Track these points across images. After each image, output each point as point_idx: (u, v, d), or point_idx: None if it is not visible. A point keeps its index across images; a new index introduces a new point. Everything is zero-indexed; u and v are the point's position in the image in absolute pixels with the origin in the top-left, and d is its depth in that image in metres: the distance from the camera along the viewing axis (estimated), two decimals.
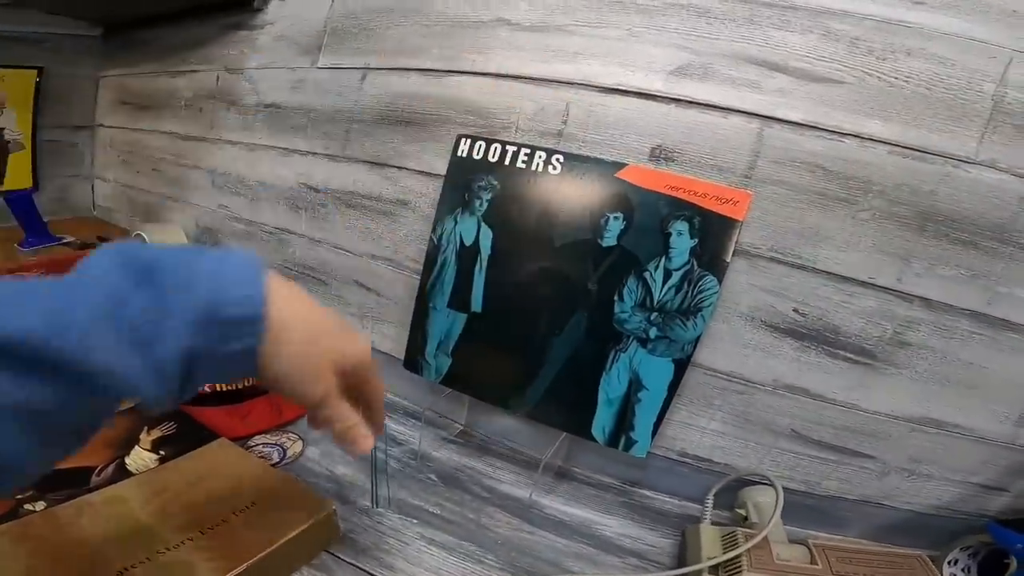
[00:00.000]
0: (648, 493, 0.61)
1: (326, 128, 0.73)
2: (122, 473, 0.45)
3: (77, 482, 0.43)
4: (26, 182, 1.08)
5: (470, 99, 0.62)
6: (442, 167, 0.62)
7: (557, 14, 0.56)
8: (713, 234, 0.52)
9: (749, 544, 0.46)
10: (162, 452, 0.48)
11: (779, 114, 0.50)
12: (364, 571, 0.44)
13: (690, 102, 0.52)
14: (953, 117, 0.46)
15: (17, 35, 1.01)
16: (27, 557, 0.35)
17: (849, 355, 0.53)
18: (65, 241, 0.93)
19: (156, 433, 0.51)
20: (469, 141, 0.61)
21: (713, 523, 0.53)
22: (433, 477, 0.58)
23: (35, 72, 1.05)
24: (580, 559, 0.50)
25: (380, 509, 0.51)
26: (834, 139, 0.49)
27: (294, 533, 0.41)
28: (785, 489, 0.56)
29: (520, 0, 0.58)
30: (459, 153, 0.61)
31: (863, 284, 0.51)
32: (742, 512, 0.53)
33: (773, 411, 0.56)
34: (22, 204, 0.88)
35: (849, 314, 0.52)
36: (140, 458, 0.47)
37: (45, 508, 0.40)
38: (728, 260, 0.52)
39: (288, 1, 0.78)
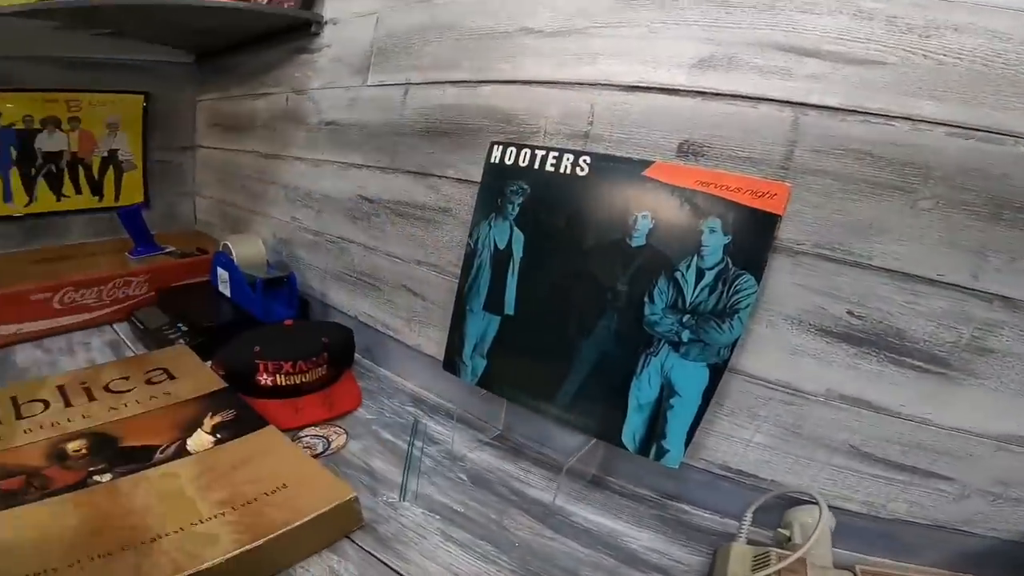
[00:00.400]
0: (687, 508, 0.63)
1: (377, 142, 0.85)
2: (182, 452, 0.57)
3: (142, 458, 0.56)
4: (138, 198, 1.35)
5: (501, 107, 0.69)
6: (478, 174, 0.69)
7: (577, 18, 0.61)
8: (748, 230, 0.54)
9: (780, 565, 0.48)
10: (219, 435, 0.60)
11: (814, 100, 0.51)
12: (379, 560, 0.52)
13: (715, 94, 0.55)
14: (1019, 93, 0.44)
15: (124, 63, 1.26)
16: (79, 522, 0.47)
17: (918, 363, 0.52)
18: (168, 251, 1.16)
19: (217, 418, 0.63)
20: (501, 148, 0.67)
21: (750, 542, 0.54)
22: (463, 476, 0.65)
23: (142, 97, 1.30)
24: (598, 570, 0.54)
25: (406, 503, 0.60)
26: (881, 123, 0.49)
27: (312, 516, 0.50)
28: (844, 511, 0.56)
29: (541, 8, 0.64)
30: (492, 160, 0.68)
31: (931, 282, 0.50)
32: (786, 532, 0.54)
33: (827, 424, 0.56)
34: (131, 218, 1.12)
35: (915, 316, 0.51)
36: (200, 440, 0.60)
37: (110, 480, 0.52)
38: (766, 257, 0.53)
39: (340, 24, 0.91)
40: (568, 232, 0.64)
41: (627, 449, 0.61)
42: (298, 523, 0.49)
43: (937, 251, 0.49)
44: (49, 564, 0.42)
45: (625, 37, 0.58)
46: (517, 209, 0.67)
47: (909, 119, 0.48)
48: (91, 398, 0.66)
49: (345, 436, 0.70)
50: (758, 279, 0.54)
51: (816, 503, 0.52)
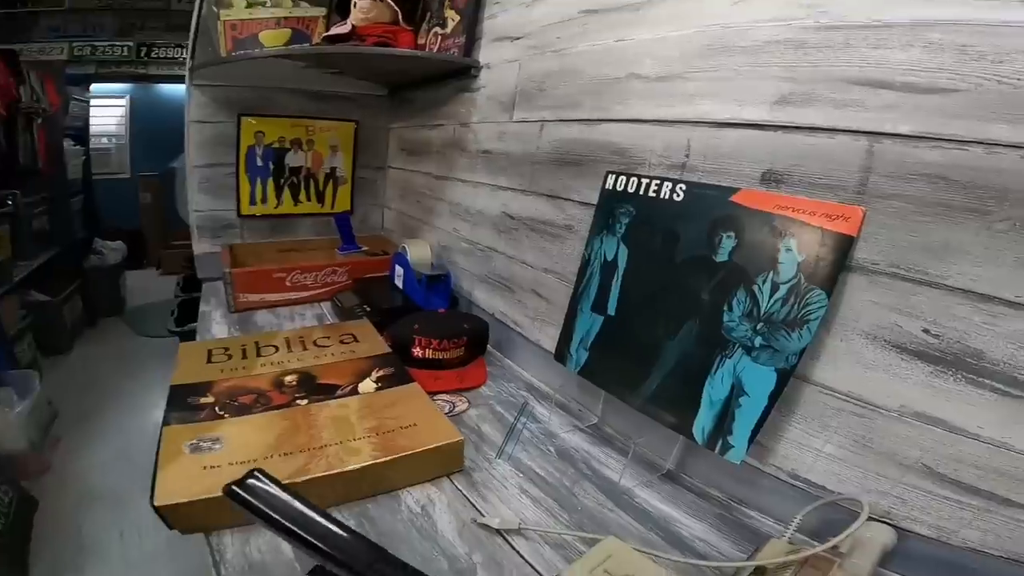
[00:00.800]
0: (751, 512, 0.69)
1: (519, 169, 1.04)
2: (354, 392, 0.81)
3: (329, 392, 0.80)
4: (347, 207, 1.75)
5: (615, 142, 0.83)
6: (595, 198, 0.84)
7: (675, 64, 0.73)
8: (822, 249, 0.60)
9: (803, 554, 0.53)
10: (380, 384, 0.83)
11: (888, 128, 0.56)
12: (466, 497, 0.68)
13: (795, 127, 0.62)
14: None
15: (341, 95, 1.65)
16: (280, 430, 0.70)
17: (997, 385, 0.53)
18: (363, 249, 1.51)
19: (381, 372, 0.87)
20: (614, 176, 0.82)
21: (791, 543, 0.58)
22: (551, 450, 0.79)
23: (354, 124, 1.69)
24: (643, 543, 0.62)
25: (499, 460, 0.76)
26: (955, 148, 0.53)
27: (428, 447, 0.69)
28: (912, 533, 0.58)
29: (646, 57, 0.77)
30: (606, 186, 0.83)
31: (1010, 304, 0.52)
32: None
33: (900, 440, 0.58)
34: (344, 222, 1.49)
35: (994, 337, 0.53)
36: (367, 385, 0.83)
37: (306, 404, 0.77)
38: (838, 274, 0.59)
39: (493, 69, 1.14)
40: (663, 248, 0.75)
41: (695, 441, 0.69)
42: (417, 450, 0.68)
43: (1015, 272, 0.51)
44: (253, 456, 0.65)
45: (716, 80, 0.69)
46: (624, 228, 0.80)
47: (983, 143, 0.51)
48: (304, 348, 0.95)
49: (467, 404, 0.90)
50: (829, 294, 0.60)
51: (860, 509, 0.55)
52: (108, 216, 4.19)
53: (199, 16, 1.42)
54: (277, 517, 0.36)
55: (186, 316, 2.49)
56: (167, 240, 4.65)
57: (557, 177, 0.95)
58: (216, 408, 0.74)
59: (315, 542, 0.36)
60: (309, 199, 1.68)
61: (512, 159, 1.07)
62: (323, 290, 1.36)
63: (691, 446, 0.73)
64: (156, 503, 0.57)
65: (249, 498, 0.36)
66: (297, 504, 0.39)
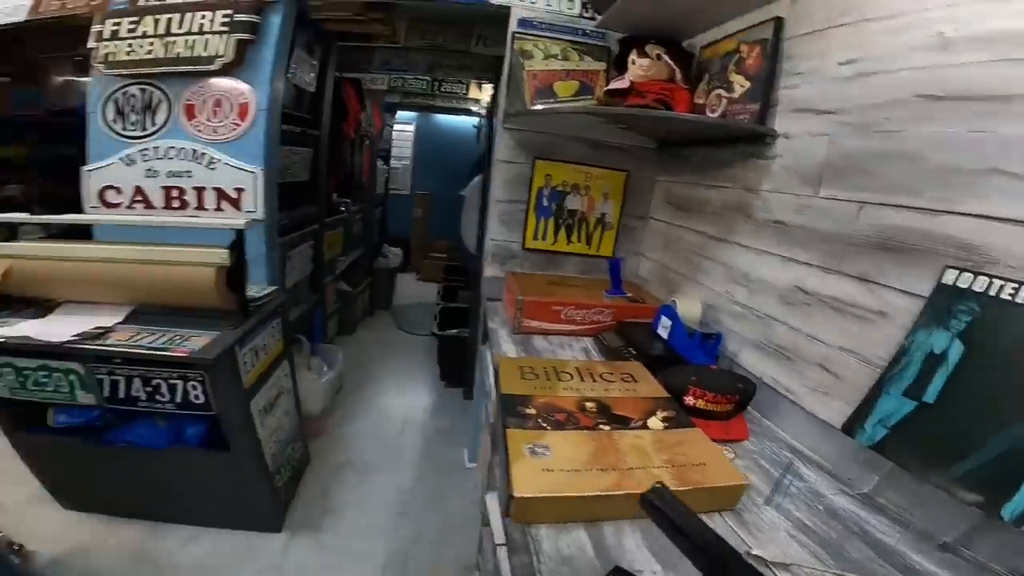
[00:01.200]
0: None
1: (824, 246, 1.03)
2: (645, 426, 0.92)
3: (624, 422, 0.93)
4: (609, 251, 1.91)
5: (958, 236, 0.79)
6: (920, 288, 0.83)
7: None
8: None
9: None
10: (665, 424, 0.93)
11: None
12: (735, 532, 0.76)
13: None
14: None
15: (617, 146, 1.82)
16: (592, 448, 0.83)
17: None
18: (628, 296, 1.63)
19: (665, 413, 0.97)
20: (956, 272, 0.79)
21: None
22: (820, 507, 0.83)
23: (625, 174, 1.85)
24: None
25: (768, 508, 0.83)
26: None
27: (713, 485, 0.78)
28: None
29: (1014, 153, 0.72)
30: (944, 280, 0.80)
31: None
32: None
33: None
34: (615, 267, 1.64)
35: None
36: (655, 422, 0.93)
37: (608, 429, 0.89)
38: None
39: (792, 140, 1.15)
40: (1014, 351, 0.71)
41: (1001, 519, 0.68)
42: (707, 485, 0.78)
43: None
44: (576, 466, 0.79)
45: None
46: (963, 325, 0.77)
47: None
48: (593, 380, 1.09)
49: (733, 455, 0.96)
50: None
51: None
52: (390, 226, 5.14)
53: (510, 65, 1.72)
54: (678, 523, 0.46)
55: (446, 322, 2.96)
56: (426, 251, 5.51)
57: (874, 261, 0.93)
58: (539, 420, 0.91)
59: (702, 545, 0.45)
60: (579, 240, 1.89)
61: (815, 235, 1.07)
62: (588, 327, 1.51)
63: (978, 526, 0.72)
64: (515, 494, 0.73)
65: (660, 505, 0.47)
66: (689, 513, 0.48)
